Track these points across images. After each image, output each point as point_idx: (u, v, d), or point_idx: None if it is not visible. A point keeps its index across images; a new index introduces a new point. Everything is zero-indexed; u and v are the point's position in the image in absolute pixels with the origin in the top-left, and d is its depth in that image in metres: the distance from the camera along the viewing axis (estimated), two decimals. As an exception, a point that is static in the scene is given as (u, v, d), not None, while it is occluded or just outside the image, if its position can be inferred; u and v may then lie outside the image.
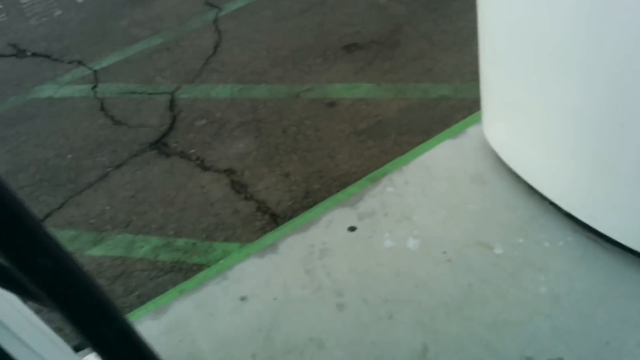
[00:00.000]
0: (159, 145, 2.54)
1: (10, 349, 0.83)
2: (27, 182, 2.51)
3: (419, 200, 1.71)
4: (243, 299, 1.58)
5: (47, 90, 3.16)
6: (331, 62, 2.83)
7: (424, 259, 1.56)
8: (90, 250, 2.09)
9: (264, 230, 2.01)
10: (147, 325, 1.58)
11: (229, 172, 2.31)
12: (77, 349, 1.40)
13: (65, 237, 2.17)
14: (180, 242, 2.06)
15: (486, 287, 1.46)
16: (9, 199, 0.34)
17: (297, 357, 1.41)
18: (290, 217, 2.03)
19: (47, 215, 2.31)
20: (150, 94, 2.88)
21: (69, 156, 2.62)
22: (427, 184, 1.76)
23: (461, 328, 1.40)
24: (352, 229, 1.70)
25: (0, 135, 2.92)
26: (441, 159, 1.83)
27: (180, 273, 1.94)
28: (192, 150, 2.47)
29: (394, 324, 1.44)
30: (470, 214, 1.64)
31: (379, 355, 1.38)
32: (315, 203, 2.03)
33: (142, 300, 1.86)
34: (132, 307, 1.82)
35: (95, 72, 3.19)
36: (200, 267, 1.94)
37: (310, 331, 1.47)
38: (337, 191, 2.04)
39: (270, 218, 2.06)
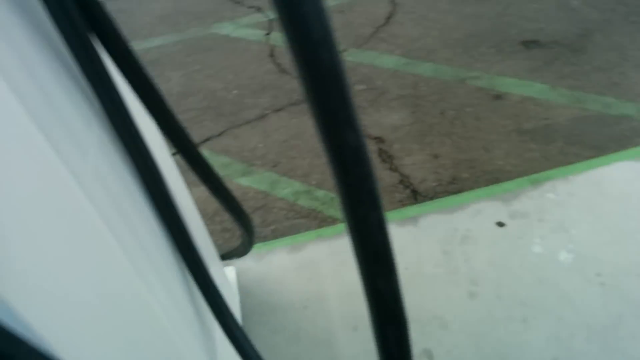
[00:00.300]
0: (317, 99, 2.62)
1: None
2: (195, 106, 2.74)
3: (582, 215, 1.60)
4: (376, 260, 1.60)
5: (226, 29, 3.39)
6: (505, 54, 2.71)
7: (574, 275, 1.46)
8: (239, 179, 2.24)
9: (402, 204, 2.01)
10: (281, 257, 1.67)
11: (379, 140, 2.33)
12: (222, 257, 1.52)
13: (219, 162, 2.35)
14: (320, 193, 2.13)
15: (640, 322, 1.34)
16: (338, 74, 0.35)
17: (417, 328, 1.41)
18: (431, 198, 2.00)
19: (207, 139, 2.51)
20: (318, 50, 2.97)
21: (235, 92, 2.81)
22: (594, 200, 1.63)
23: (601, 355, 1.30)
24: (500, 224, 1.63)
25: (179, 60, 3.21)
26: (616, 179, 1.68)
27: (314, 221, 2.01)
28: (347, 111, 2.51)
29: (527, 329, 1.37)
30: (638, 243, 1.50)
31: (504, 354, 1.33)
32: (460, 191, 1.98)
33: (276, 235, 1.96)
34: (265, 239, 1.93)
35: (270, 20, 3.36)
36: (334, 220, 1.99)
37: (436, 309, 1.45)
38: (486, 185, 1.97)
39: (411, 194, 2.05)
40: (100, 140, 0.73)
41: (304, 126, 2.48)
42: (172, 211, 0.90)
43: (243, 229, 1.32)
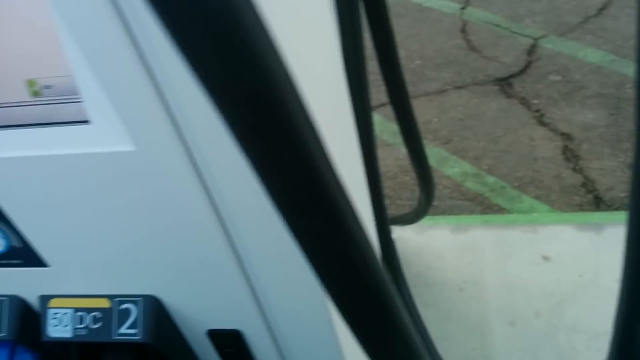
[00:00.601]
0: (504, 83, 2.50)
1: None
2: (374, 70, 2.77)
3: None
4: (546, 258, 1.51)
5: (419, -2, 3.35)
6: None
7: None
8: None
9: (581, 207, 1.85)
10: (443, 234, 1.65)
11: (566, 137, 2.15)
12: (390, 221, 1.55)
13: (390, 129, 2.37)
14: (491, 179, 2.05)
15: None
16: None
17: (583, 340, 1.31)
18: (616, 209, 1.82)
19: (382, 104, 2.53)
20: (513, 32, 2.81)
21: (417, 62, 2.79)
22: None
23: None
24: None
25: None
26: None
27: (479, 206, 1.95)
28: (535, 101, 2.36)
29: None
30: None
31: (681, 396, 1.19)
32: (654, 208, 1.76)
33: (436, 212, 1.94)
34: (426, 213, 1.92)
35: (468, -6, 3.25)
36: (501, 210, 1.91)
37: (607, 325, 1.33)
38: (690, 209, 1.73)
39: (593, 199, 1.88)
40: (336, 73, 0.78)
41: (484, 108, 2.38)
42: (372, 159, 0.94)
43: (424, 197, 1.32)
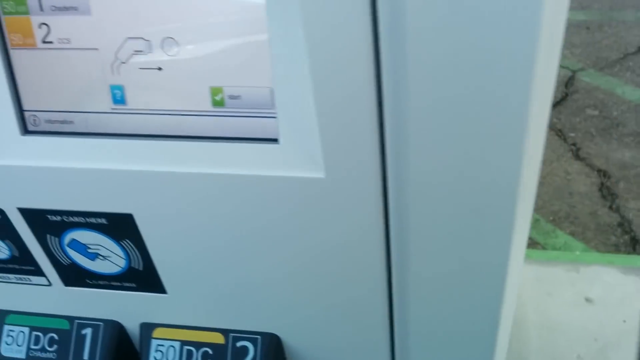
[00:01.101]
0: (540, 113, 2.46)
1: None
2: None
3: None
4: (589, 300, 1.46)
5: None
6: None
7: None
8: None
9: (616, 248, 1.81)
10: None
11: (603, 173, 2.11)
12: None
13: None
14: (525, 210, 2.00)
15: None
16: None
17: (626, 392, 1.26)
18: (655, 254, 1.78)
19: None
20: (551, 62, 2.78)
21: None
22: None
23: None
24: None
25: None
26: None
27: (513, 237, 1.90)
28: (572, 134, 2.32)
29: None
30: None
31: None
32: (695, 257, 1.72)
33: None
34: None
35: None
36: (534, 244, 1.87)
37: (652, 379, 1.28)
38: None
39: (629, 240, 1.84)
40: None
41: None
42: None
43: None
